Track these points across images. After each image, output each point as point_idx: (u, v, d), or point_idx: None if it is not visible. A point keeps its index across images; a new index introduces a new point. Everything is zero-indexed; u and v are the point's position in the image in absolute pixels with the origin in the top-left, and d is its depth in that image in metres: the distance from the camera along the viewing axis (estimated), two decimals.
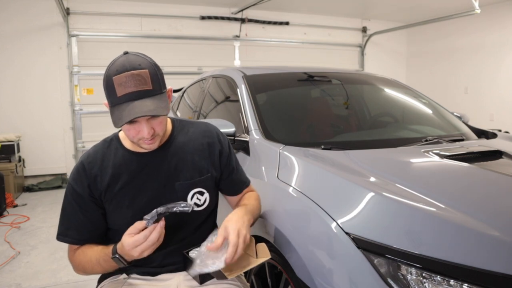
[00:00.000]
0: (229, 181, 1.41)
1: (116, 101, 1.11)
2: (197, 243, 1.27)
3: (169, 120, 1.35)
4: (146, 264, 1.29)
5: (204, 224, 1.36)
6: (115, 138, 1.31)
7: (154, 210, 1.11)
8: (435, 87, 7.39)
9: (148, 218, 1.11)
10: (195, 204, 1.30)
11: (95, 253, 1.21)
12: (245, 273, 1.71)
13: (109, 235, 1.30)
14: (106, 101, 1.19)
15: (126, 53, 1.17)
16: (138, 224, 1.13)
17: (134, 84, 1.10)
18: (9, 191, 4.57)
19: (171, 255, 1.29)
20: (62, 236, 1.25)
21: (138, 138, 1.17)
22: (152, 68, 1.15)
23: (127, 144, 1.28)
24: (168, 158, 1.28)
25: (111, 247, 1.18)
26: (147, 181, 1.25)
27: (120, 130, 1.32)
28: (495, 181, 1.43)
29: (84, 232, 1.25)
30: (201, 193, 1.31)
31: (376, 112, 2.55)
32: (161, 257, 1.29)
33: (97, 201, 1.24)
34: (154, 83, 1.14)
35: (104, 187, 1.23)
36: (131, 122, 1.13)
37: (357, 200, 1.26)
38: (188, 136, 1.34)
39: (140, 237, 1.10)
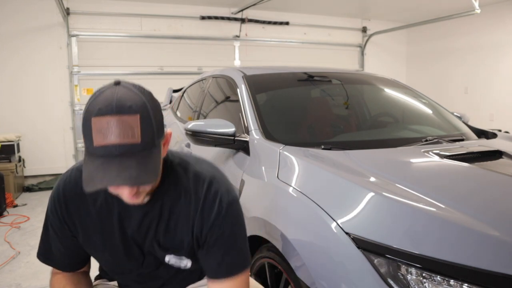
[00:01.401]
0: (205, 257, 1.07)
1: (91, 150, 0.86)
2: None
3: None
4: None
5: (190, 276, 1.20)
6: None
7: None
8: (435, 87, 7.39)
9: None
10: (172, 265, 1.11)
11: None
12: None
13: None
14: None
15: (117, 83, 0.91)
16: None
17: (117, 133, 0.84)
18: (9, 191, 4.57)
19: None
20: (43, 258, 1.16)
21: (116, 193, 0.95)
22: (145, 111, 0.87)
23: None
24: (152, 214, 1.05)
25: None
26: (127, 234, 1.07)
27: None
28: (495, 181, 1.43)
29: (67, 259, 1.15)
30: (181, 259, 1.11)
31: (376, 112, 2.55)
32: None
33: (73, 236, 1.11)
34: (145, 134, 0.86)
35: (81, 229, 1.09)
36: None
37: (357, 200, 1.26)
38: (181, 192, 1.06)
39: None
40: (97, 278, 1.33)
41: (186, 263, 1.11)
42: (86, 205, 1.07)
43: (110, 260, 1.13)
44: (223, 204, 1.05)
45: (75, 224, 1.08)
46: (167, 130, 0.99)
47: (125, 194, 0.91)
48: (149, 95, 0.92)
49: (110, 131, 0.84)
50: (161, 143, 0.94)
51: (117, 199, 1.02)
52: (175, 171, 1.07)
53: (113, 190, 0.93)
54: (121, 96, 0.86)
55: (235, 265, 1.06)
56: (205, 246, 1.06)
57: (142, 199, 0.97)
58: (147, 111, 0.88)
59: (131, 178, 0.84)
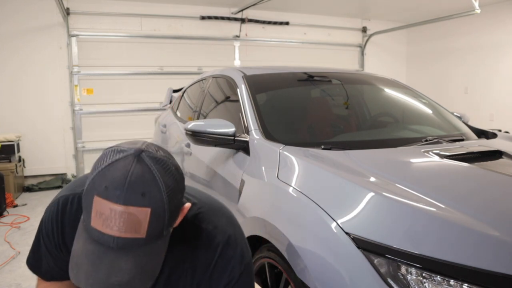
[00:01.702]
0: None
1: (88, 227, 0.76)
2: None
3: None
4: None
5: None
6: None
7: None
8: (435, 87, 7.39)
9: None
10: None
11: None
12: None
13: None
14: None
15: (140, 152, 0.76)
16: None
17: (119, 226, 0.72)
18: (9, 191, 4.57)
19: None
20: (33, 267, 1.08)
21: None
22: (159, 202, 0.74)
23: None
24: (166, 263, 0.93)
25: None
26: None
27: None
28: (495, 181, 1.43)
29: (54, 273, 1.06)
30: None
31: (376, 112, 2.55)
32: None
33: (67, 260, 0.95)
34: (153, 228, 0.74)
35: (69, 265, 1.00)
36: None
37: (357, 200, 1.26)
38: (188, 252, 0.96)
39: None
40: None
41: None
42: (84, 247, 0.93)
43: None
44: (235, 274, 0.95)
45: (69, 252, 0.92)
46: (185, 204, 0.84)
47: None
48: (171, 174, 0.77)
49: (112, 221, 0.72)
50: (171, 230, 0.80)
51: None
52: (186, 229, 0.93)
53: None
54: (135, 179, 0.72)
55: None
56: None
57: None
58: (162, 202, 0.74)
59: (121, 284, 0.72)
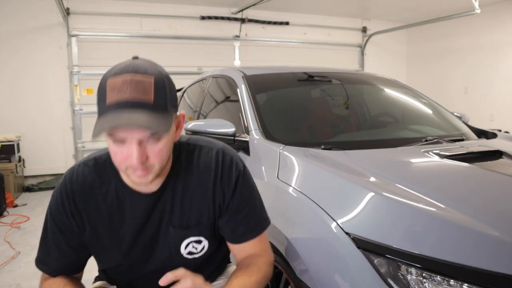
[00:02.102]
0: (229, 223, 1.09)
1: (104, 109, 0.87)
2: None
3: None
4: None
5: (206, 266, 1.17)
6: (109, 163, 1.02)
7: None
8: (435, 87, 7.39)
9: None
10: (190, 253, 1.09)
11: None
12: None
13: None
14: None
15: (135, 58, 0.96)
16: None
17: (130, 91, 0.86)
18: (9, 191, 4.57)
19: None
20: (41, 264, 1.11)
21: (126, 165, 0.91)
22: (160, 78, 0.90)
23: (123, 174, 1.00)
24: (165, 199, 1.05)
25: None
26: (140, 225, 1.05)
27: None
28: (495, 181, 1.43)
29: (63, 262, 1.09)
30: (198, 242, 1.09)
31: (376, 112, 2.55)
32: None
33: (79, 232, 1.06)
34: (158, 96, 0.88)
35: (89, 224, 1.05)
36: (118, 141, 0.88)
37: (357, 200, 1.26)
38: (193, 169, 1.07)
39: None
40: (96, 279, 1.28)
41: (203, 245, 1.09)
42: (95, 201, 1.04)
43: (117, 258, 1.08)
44: (239, 169, 1.09)
45: (83, 219, 1.04)
46: (181, 111, 1.00)
47: (133, 158, 0.87)
48: (165, 71, 0.95)
49: (124, 89, 0.86)
50: (174, 118, 0.94)
51: (128, 192, 1.03)
52: (185, 150, 1.08)
53: (122, 159, 0.90)
54: (138, 64, 0.91)
55: (259, 225, 1.12)
56: (228, 213, 1.08)
57: (151, 178, 0.94)
58: (162, 79, 0.91)
59: (140, 122, 0.84)
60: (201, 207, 1.07)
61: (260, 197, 1.16)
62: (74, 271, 1.13)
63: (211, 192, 1.06)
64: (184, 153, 1.08)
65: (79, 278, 1.18)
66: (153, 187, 1.02)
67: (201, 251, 1.10)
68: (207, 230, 1.09)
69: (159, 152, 0.91)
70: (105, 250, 1.08)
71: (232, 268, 1.31)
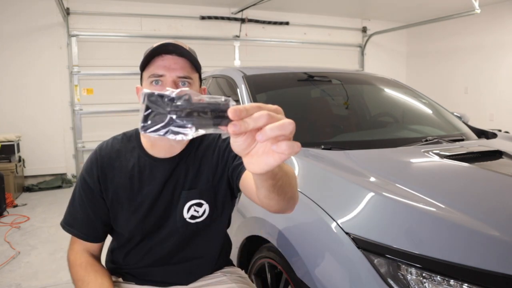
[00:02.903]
0: (236, 166, 1.14)
1: (150, 53, 1.05)
2: (198, 257, 1.22)
3: None
4: (146, 277, 1.23)
5: (205, 238, 1.22)
6: (135, 136, 1.20)
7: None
8: (435, 87, 7.39)
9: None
10: (192, 216, 1.16)
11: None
12: (245, 273, 1.71)
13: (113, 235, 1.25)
14: (138, 86, 1.15)
15: None
16: None
17: (173, 44, 1.05)
18: (9, 191, 4.57)
19: (171, 274, 1.22)
20: (68, 226, 1.20)
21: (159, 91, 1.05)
22: (191, 49, 1.11)
23: (146, 145, 1.16)
24: (181, 166, 1.16)
25: None
26: (157, 190, 1.14)
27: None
28: (495, 181, 1.43)
29: (90, 227, 1.18)
30: (199, 205, 1.17)
31: (376, 112, 2.55)
32: (161, 273, 1.22)
33: (103, 197, 1.17)
34: (191, 52, 1.09)
35: (112, 187, 1.15)
36: (157, 77, 1.04)
37: (357, 200, 1.26)
38: (204, 138, 1.20)
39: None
40: None
41: (204, 209, 1.17)
42: (120, 166, 1.16)
43: (133, 223, 1.16)
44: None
45: (106, 183, 1.15)
46: (203, 86, 1.16)
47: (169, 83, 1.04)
48: None
49: (167, 44, 1.05)
50: (200, 80, 1.13)
51: (149, 159, 1.15)
52: None
53: (156, 86, 1.05)
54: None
55: None
56: (231, 161, 1.15)
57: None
58: (191, 50, 1.10)
59: (185, 53, 1.05)
60: (205, 171, 1.18)
61: None
62: (97, 239, 1.21)
63: (216, 157, 1.18)
64: None
65: (99, 257, 1.25)
66: (176, 150, 1.15)
67: (202, 215, 1.17)
68: (206, 192, 1.17)
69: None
70: (124, 214, 1.16)
71: (234, 269, 1.33)
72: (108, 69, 5.71)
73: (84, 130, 5.70)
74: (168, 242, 1.18)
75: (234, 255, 1.75)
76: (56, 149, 5.62)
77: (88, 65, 5.65)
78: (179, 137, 0.57)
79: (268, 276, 1.54)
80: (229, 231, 1.56)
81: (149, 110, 0.57)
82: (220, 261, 1.30)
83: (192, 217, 1.17)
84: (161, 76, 1.05)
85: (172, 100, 0.57)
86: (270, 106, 0.58)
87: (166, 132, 0.57)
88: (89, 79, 5.68)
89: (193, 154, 1.18)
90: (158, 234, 1.18)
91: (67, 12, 5.47)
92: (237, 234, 1.70)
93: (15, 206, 4.49)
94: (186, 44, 1.11)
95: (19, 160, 5.11)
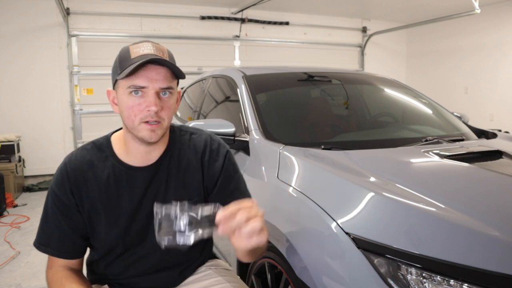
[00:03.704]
0: (217, 196, 1.17)
1: (129, 62, 1.00)
2: (185, 264, 1.22)
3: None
4: (134, 285, 1.20)
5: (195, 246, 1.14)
6: (106, 144, 1.14)
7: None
8: (435, 87, 7.39)
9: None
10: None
11: None
12: (245, 273, 1.71)
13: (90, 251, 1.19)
14: (110, 89, 1.09)
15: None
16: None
17: (152, 49, 1.02)
18: (9, 191, 4.57)
19: (160, 279, 1.20)
20: (43, 246, 1.13)
21: (141, 116, 1.01)
22: (170, 53, 1.08)
23: (120, 153, 1.11)
24: (160, 175, 1.12)
25: None
26: (137, 200, 1.11)
27: (113, 134, 1.17)
28: (495, 181, 1.43)
29: (68, 244, 1.12)
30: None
31: (376, 112, 2.55)
32: (150, 281, 1.19)
33: (79, 211, 1.11)
34: (171, 60, 1.05)
35: (87, 200, 1.09)
36: (138, 89, 1.00)
37: (357, 200, 1.26)
38: (185, 149, 1.17)
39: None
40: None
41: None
42: (93, 177, 1.10)
43: (114, 237, 1.11)
44: (226, 150, 1.21)
45: (81, 197, 1.09)
46: (180, 88, 1.13)
47: (152, 104, 1.00)
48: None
49: (147, 48, 1.02)
50: (177, 85, 1.10)
51: (125, 168, 1.11)
52: (178, 134, 1.20)
53: (138, 110, 1.01)
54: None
55: (245, 198, 1.16)
56: (215, 189, 1.17)
57: (160, 134, 1.05)
58: (172, 55, 1.08)
59: (166, 63, 1.00)
60: (192, 184, 1.16)
61: (244, 180, 1.24)
62: (76, 255, 1.16)
63: (200, 171, 1.17)
64: (178, 136, 1.19)
65: (81, 269, 1.19)
66: (153, 158, 1.12)
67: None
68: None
69: (170, 106, 1.05)
70: (103, 226, 1.11)
71: (218, 262, 1.35)
72: (108, 69, 5.59)
73: (84, 130, 5.70)
74: (153, 254, 1.14)
75: (234, 255, 1.75)
76: (56, 149, 5.62)
77: (88, 65, 5.64)
78: (182, 241, 0.82)
79: (268, 276, 1.54)
80: None
81: (161, 226, 0.82)
82: (203, 255, 1.30)
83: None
84: (143, 87, 1.00)
85: (176, 217, 0.81)
86: (246, 203, 0.87)
87: (174, 241, 0.81)
88: (89, 79, 5.68)
89: (173, 164, 1.14)
90: (142, 247, 1.14)
91: (67, 12, 5.47)
92: None
93: (15, 206, 4.49)
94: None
95: (19, 160, 5.11)
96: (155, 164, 1.12)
